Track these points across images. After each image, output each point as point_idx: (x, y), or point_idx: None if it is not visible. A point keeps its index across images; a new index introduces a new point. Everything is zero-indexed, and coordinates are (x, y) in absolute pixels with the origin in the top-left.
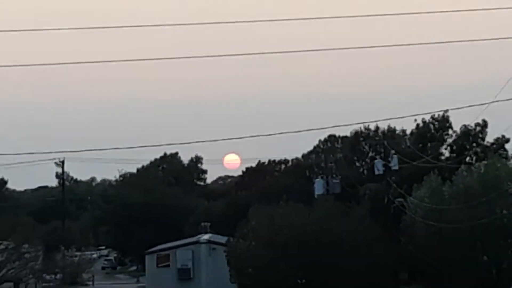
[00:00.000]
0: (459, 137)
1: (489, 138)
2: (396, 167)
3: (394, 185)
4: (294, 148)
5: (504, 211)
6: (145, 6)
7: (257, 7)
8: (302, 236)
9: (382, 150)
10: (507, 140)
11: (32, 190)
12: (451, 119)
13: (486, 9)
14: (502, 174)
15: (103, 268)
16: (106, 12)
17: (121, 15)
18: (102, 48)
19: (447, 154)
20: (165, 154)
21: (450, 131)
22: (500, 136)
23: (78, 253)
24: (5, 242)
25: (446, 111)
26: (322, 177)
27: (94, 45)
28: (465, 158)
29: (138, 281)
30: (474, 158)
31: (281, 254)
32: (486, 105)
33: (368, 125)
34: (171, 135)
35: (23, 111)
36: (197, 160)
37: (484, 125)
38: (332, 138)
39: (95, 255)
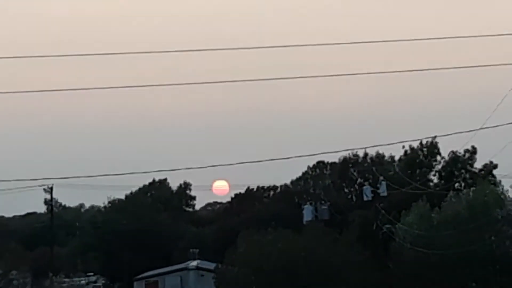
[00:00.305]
0: (447, 163)
1: (478, 164)
2: (385, 194)
3: (383, 211)
4: (283, 174)
5: (493, 237)
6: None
7: (246, 34)
8: (290, 262)
9: (371, 177)
10: (495, 166)
11: (21, 216)
12: (439, 145)
13: (474, 36)
14: (490, 200)
15: None
16: (94, 39)
17: (106, 42)
18: (91, 74)
19: (435, 180)
20: (153, 180)
21: (439, 158)
22: (488, 162)
23: (66, 280)
24: None
25: (435, 137)
26: (310, 203)
27: (83, 72)
28: (454, 184)
29: None
30: (462, 184)
31: (270, 280)
32: (474, 132)
33: (357, 152)
34: (160, 162)
35: (11, 137)
36: (186, 186)
37: (473, 151)
38: (320, 164)
39: (83, 282)
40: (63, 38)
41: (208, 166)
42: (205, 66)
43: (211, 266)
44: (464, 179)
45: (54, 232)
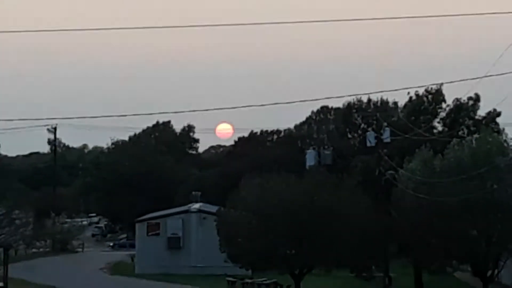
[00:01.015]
0: (451, 110)
1: (481, 112)
2: (388, 140)
3: (386, 157)
4: (287, 118)
5: (495, 185)
6: None
7: None
8: (292, 207)
9: (374, 122)
10: (499, 114)
11: (24, 156)
12: (445, 93)
13: None
14: (493, 148)
15: (93, 235)
16: None
17: None
18: (97, 14)
19: (439, 127)
20: (157, 122)
21: (444, 105)
22: (491, 110)
23: (68, 220)
24: None
25: (441, 84)
26: (314, 148)
27: (89, 12)
28: (457, 131)
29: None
30: (466, 131)
31: (270, 225)
32: (478, 79)
33: (361, 97)
34: (164, 104)
35: (16, 77)
36: (190, 129)
37: (476, 99)
38: (324, 109)
39: (85, 222)
40: None
41: (212, 109)
42: (212, 7)
43: (213, 209)
44: (468, 127)
45: (57, 173)
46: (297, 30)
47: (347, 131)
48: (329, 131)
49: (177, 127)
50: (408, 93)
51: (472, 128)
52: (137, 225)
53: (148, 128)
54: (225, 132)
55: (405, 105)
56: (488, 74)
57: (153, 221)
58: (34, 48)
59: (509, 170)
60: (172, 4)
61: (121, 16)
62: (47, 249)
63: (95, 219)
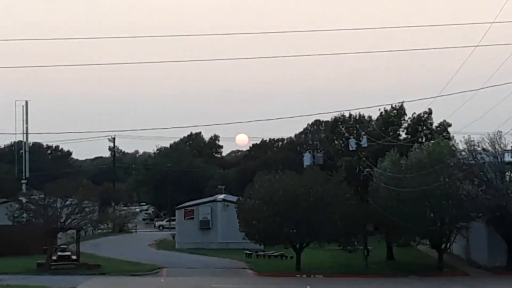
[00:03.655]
0: (412, 122)
1: (435, 123)
2: (365, 145)
3: (364, 158)
4: (289, 129)
5: (446, 179)
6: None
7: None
8: (293, 196)
9: (355, 132)
10: (449, 125)
11: (90, 159)
12: (406, 108)
13: (434, 25)
14: (444, 151)
15: (144, 220)
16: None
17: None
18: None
19: (403, 135)
20: (191, 133)
21: (406, 117)
22: (443, 121)
23: (125, 208)
24: (70, 199)
25: (402, 102)
26: (309, 152)
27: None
28: (417, 138)
29: (169, 230)
30: (424, 138)
31: (277, 210)
32: (433, 98)
33: (344, 113)
34: (196, 119)
35: (84, 99)
36: (215, 138)
37: (430, 112)
38: (317, 122)
39: (137, 209)
40: None
41: (232, 123)
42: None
43: (234, 199)
44: (425, 134)
45: (116, 172)
46: (299, 64)
47: (334, 138)
48: (321, 139)
49: (206, 136)
50: (379, 109)
51: (428, 136)
52: (176, 211)
53: (184, 137)
54: (242, 140)
55: (377, 118)
56: (441, 94)
57: (189, 208)
58: (99, 77)
59: (457, 167)
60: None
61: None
62: (109, 230)
63: (145, 207)
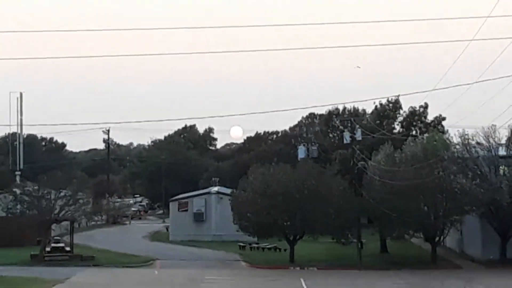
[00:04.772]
0: (407, 116)
1: (430, 117)
2: (360, 138)
3: (358, 151)
4: (284, 122)
5: (440, 173)
6: None
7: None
8: (287, 189)
9: (349, 125)
10: (444, 118)
11: (85, 151)
12: (402, 102)
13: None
14: (439, 144)
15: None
16: None
17: None
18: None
19: (398, 128)
20: (185, 125)
21: (401, 111)
22: (438, 115)
23: (119, 200)
24: (64, 191)
25: (398, 95)
26: (304, 145)
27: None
28: (412, 132)
29: (163, 222)
30: (418, 132)
31: (271, 203)
32: (428, 92)
33: (338, 106)
34: (191, 111)
35: (78, 91)
36: (210, 130)
37: (426, 106)
38: (312, 115)
39: (131, 201)
40: None
41: (226, 115)
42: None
43: (228, 191)
44: (420, 128)
45: (110, 164)
46: (294, 56)
47: (329, 131)
48: (315, 131)
49: (201, 129)
50: (374, 102)
51: (423, 129)
52: (170, 203)
53: (178, 129)
54: (237, 133)
55: (372, 111)
56: (436, 88)
57: (183, 200)
58: (93, 69)
59: (451, 161)
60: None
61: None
62: (103, 222)
63: (139, 199)
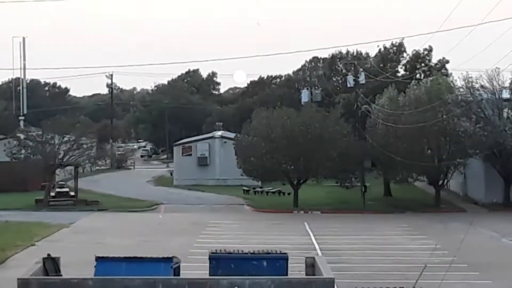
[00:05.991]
0: (411, 59)
1: (434, 60)
2: (363, 81)
3: (362, 95)
4: (287, 66)
5: (444, 116)
6: None
7: None
8: (291, 133)
9: (353, 68)
10: (447, 61)
11: (88, 96)
12: (406, 45)
13: None
14: (443, 87)
15: (142, 156)
16: None
17: None
18: None
19: (402, 72)
20: (189, 69)
21: (405, 54)
22: (442, 58)
23: (122, 145)
24: (67, 136)
25: (402, 38)
26: (307, 89)
27: None
28: (416, 75)
29: (167, 166)
30: (422, 75)
31: (275, 147)
32: (432, 34)
33: (341, 49)
34: (194, 54)
35: (83, 34)
36: (213, 74)
37: (430, 49)
38: (315, 59)
39: (135, 146)
40: None
41: (230, 58)
42: None
43: (232, 135)
44: (424, 71)
45: (113, 109)
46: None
47: (332, 75)
48: (319, 75)
49: (204, 73)
50: (378, 45)
51: (427, 72)
52: (174, 148)
53: (182, 74)
54: (240, 77)
55: (376, 55)
56: (440, 30)
57: (187, 145)
58: (97, 11)
59: (454, 104)
60: None
61: None
62: (107, 167)
63: (143, 144)
